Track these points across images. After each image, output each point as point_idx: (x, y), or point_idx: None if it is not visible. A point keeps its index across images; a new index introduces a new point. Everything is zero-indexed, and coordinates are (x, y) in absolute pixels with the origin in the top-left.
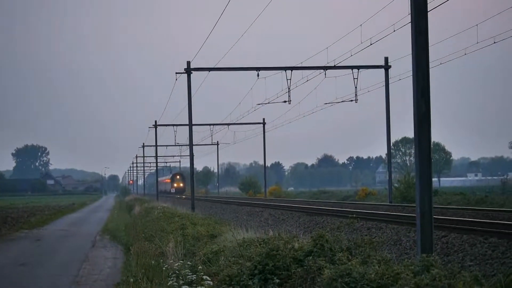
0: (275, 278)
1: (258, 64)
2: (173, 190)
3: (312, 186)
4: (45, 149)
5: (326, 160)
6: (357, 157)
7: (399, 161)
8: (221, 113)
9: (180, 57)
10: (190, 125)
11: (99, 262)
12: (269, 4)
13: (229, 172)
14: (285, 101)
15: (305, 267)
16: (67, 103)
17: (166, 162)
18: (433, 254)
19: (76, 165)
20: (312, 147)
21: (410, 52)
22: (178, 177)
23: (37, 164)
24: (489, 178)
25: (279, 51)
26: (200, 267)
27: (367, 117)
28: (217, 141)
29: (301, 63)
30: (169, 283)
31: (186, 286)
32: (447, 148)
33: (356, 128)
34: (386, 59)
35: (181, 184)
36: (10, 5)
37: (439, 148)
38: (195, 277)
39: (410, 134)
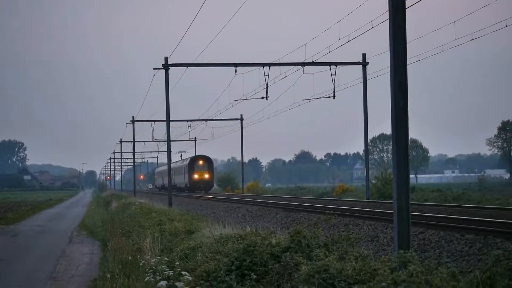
0: (252, 274)
1: (236, 60)
2: (188, 184)
3: (290, 182)
4: (22, 144)
5: (304, 156)
6: (335, 154)
7: (376, 157)
8: (199, 109)
9: (159, 52)
10: (168, 121)
11: (76, 258)
12: (246, 0)
13: None
14: (262, 97)
15: (282, 263)
16: (44, 98)
17: (144, 158)
18: (410, 251)
19: (53, 161)
20: (289, 143)
21: (388, 48)
22: (201, 162)
23: (14, 159)
24: (466, 175)
25: (257, 47)
26: (177, 262)
27: (345, 114)
28: (195, 137)
29: (279, 59)
30: (146, 279)
31: (163, 282)
32: (425, 144)
33: (333, 125)
34: (364, 55)
35: (207, 175)
36: None
37: (417, 144)
38: (172, 273)
39: (388, 130)
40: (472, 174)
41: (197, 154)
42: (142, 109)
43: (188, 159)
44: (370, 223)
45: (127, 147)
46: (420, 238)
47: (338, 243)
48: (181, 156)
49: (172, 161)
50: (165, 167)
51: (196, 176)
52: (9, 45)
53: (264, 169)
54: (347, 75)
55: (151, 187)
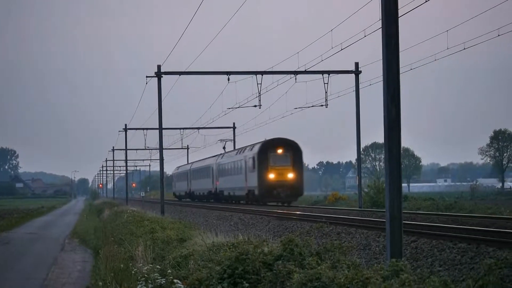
0: (244, 282)
1: (229, 68)
2: (256, 191)
3: None
4: (14, 152)
5: None
6: (327, 162)
7: (369, 166)
8: (191, 117)
9: (152, 60)
10: (160, 129)
11: (68, 266)
12: (240, 8)
13: None
14: (255, 106)
15: (274, 271)
16: (36, 105)
17: (136, 166)
18: (402, 259)
19: (46, 169)
20: None
21: (381, 57)
22: (280, 151)
23: (6, 167)
24: (458, 184)
25: (250, 56)
26: (169, 271)
27: (337, 122)
28: (187, 145)
29: (272, 67)
30: (138, 287)
31: None
32: (417, 153)
33: (326, 133)
34: (357, 64)
35: (291, 175)
36: None
37: (409, 153)
38: (164, 281)
39: (380, 139)
40: (464, 183)
41: (277, 139)
42: (135, 117)
43: (257, 147)
44: (363, 232)
45: (120, 155)
46: (412, 246)
47: (330, 251)
48: (224, 148)
49: (207, 156)
50: (193, 166)
51: (272, 176)
52: (0, 53)
53: None
54: (340, 84)
55: (143, 195)
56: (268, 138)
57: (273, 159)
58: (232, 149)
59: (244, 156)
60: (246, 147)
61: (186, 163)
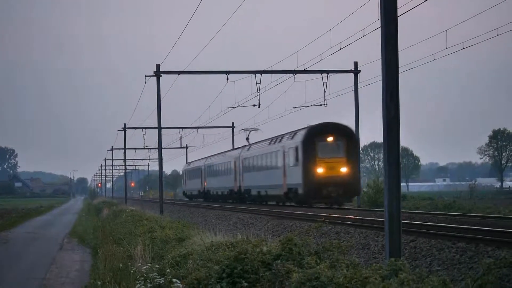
0: (243, 281)
1: (228, 67)
2: (300, 189)
3: None
4: (13, 151)
5: None
6: None
7: (368, 165)
8: (191, 116)
9: (151, 60)
10: (159, 128)
11: (67, 265)
12: (239, 7)
13: None
14: (254, 105)
15: (273, 270)
16: (35, 105)
17: (135, 165)
18: (401, 259)
19: (45, 168)
20: None
21: (380, 56)
22: (330, 139)
23: (5, 166)
24: (457, 183)
25: (249, 55)
26: (168, 270)
27: (336, 122)
28: (186, 145)
29: (271, 67)
30: (137, 286)
31: None
32: (416, 153)
33: None
34: (356, 63)
35: (344, 169)
36: None
37: (408, 153)
38: (163, 280)
39: (379, 139)
40: (463, 183)
41: (325, 124)
42: (134, 116)
43: (301, 134)
44: (362, 231)
45: (119, 154)
46: (411, 246)
47: (329, 251)
48: (247, 139)
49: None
50: (209, 161)
51: (321, 170)
52: (0, 53)
53: None
54: (338, 83)
55: (142, 194)
56: (313, 123)
57: (322, 150)
58: (256, 141)
59: (281, 146)
60: (283, 135)
61: (199, 158)
